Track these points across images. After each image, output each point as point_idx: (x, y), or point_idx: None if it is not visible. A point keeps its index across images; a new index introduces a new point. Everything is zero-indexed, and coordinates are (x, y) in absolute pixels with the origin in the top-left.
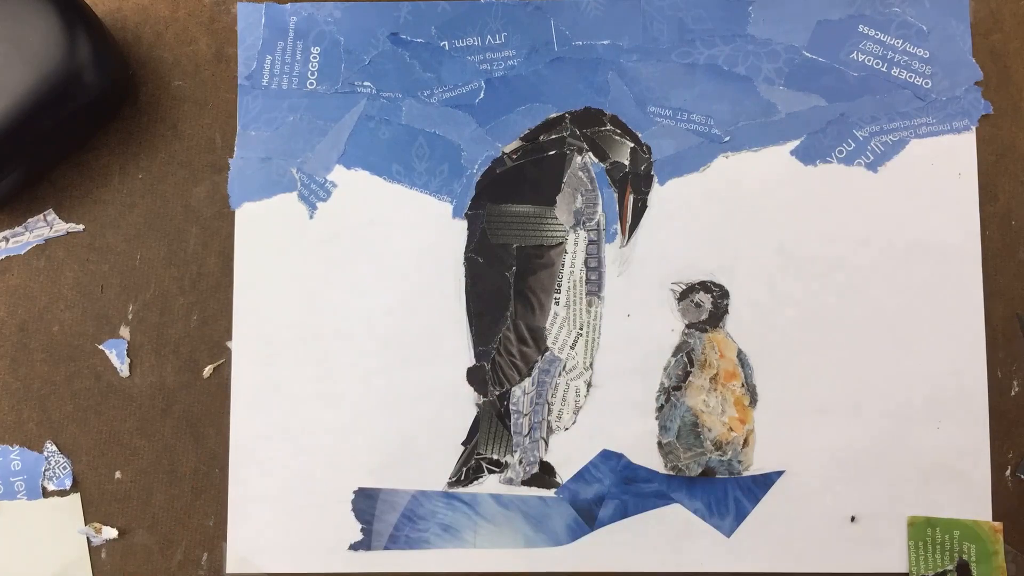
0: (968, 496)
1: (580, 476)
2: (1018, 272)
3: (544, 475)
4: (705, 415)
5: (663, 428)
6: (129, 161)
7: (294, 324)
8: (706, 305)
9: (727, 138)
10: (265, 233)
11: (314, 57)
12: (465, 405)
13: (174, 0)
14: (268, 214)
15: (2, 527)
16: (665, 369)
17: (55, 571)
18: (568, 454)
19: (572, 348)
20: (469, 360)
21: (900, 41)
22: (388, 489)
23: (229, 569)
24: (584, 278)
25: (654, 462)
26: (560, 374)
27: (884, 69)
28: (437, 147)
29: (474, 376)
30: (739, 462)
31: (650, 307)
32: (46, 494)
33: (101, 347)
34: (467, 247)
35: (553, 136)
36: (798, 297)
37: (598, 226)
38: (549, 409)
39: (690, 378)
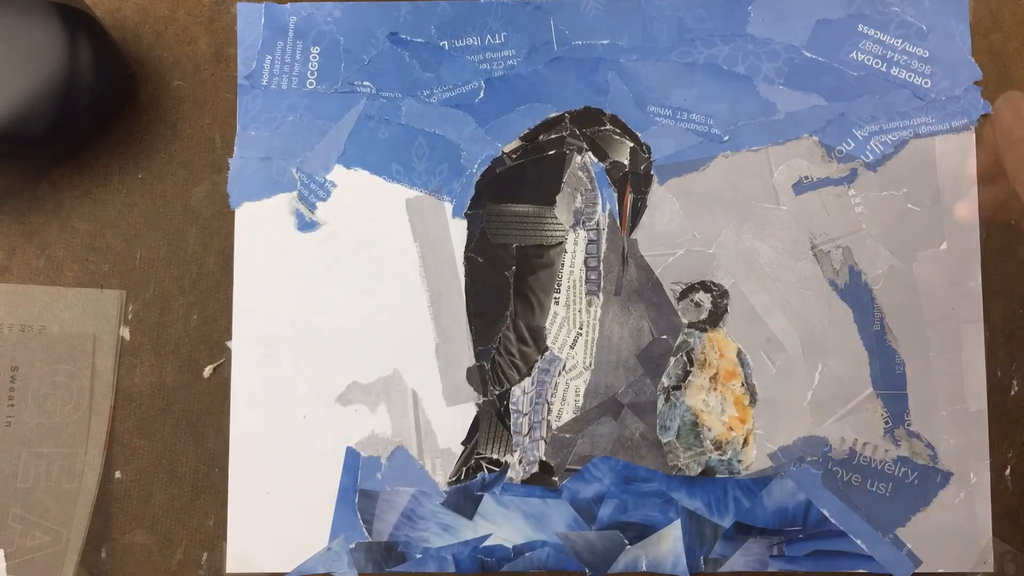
0: (968, 496)
1: (580, 476)
2: (1018, 272)
3: (544, 475)
4: (705, 414)
5: (663, 428)
6: (129, 161)
7: (294, 324)
8: (706, 305)
9: (727, 138)
10: (265, 233)
11: (314, 57)
12: (465, 405)
13: (174, 0)
14: (268, 214)
15: None
16: (665, 369)
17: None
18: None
19: (572, 348)
20: (469, 360)
21: (900, 41)
22: (388, 489)
23: (229, 569)
24: (584, 278)
25: (654, 462)
26: (560, 374)
27: (884, 69)
28: (437, 147)
29: (474, 376)
30: (739, 462)
31: None
32: None
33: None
34: (467, 247)
35: (553, 136)
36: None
37: (598, 225)
38: (549, 409)
39: (690, 378)
